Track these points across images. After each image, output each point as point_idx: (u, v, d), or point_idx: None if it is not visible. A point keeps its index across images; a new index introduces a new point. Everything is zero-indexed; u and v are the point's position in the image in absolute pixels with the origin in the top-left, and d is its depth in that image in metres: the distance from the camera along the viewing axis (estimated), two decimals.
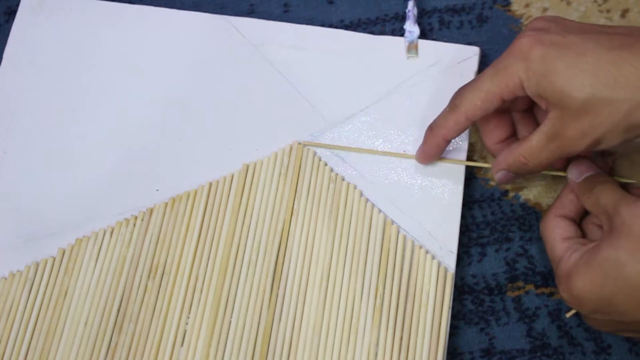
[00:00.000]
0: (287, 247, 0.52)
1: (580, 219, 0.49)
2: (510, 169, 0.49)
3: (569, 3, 0.58)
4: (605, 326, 0.46)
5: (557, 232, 0.48)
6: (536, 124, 0.51)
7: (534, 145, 0.46)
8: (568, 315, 0.50)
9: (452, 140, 0.53)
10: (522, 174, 0.49)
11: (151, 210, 0.53)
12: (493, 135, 0.51)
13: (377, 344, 0.49)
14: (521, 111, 0.51)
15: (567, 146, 0.45)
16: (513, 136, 0.52)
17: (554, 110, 0.45)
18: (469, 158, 0.54)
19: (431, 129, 0.51)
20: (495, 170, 0.50)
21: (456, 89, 0.50)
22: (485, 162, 0.54)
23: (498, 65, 0.47)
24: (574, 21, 0.47)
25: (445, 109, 0.50)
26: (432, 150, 0.52)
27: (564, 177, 0.51)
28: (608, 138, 0.44)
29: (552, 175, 0.52)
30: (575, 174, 0.49)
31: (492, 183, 0.54)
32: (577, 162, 0.49)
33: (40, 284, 0.52)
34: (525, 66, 0.45)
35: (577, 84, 0.43)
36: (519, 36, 0.46)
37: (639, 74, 0.42)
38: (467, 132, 0.53)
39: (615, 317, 0.44)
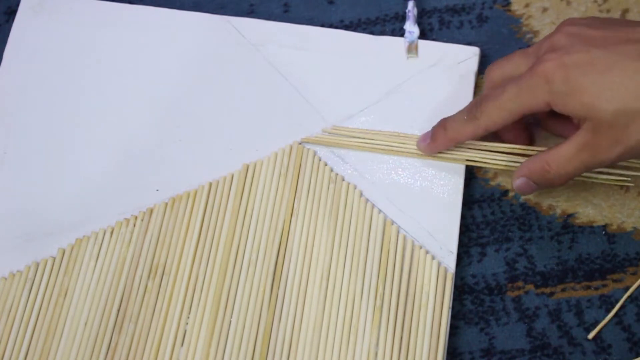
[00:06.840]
0: (287, 247, 0.52)
1: None
2: (532, 176, 0.48)
3: (568, 3, 0.58)
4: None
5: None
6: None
7: (563, 154, 0.46)
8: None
9: None
10: (542, 184, 0.48)
11: (151, 210, 0.53)
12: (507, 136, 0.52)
13: (377, 344, 0.49)
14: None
15: (598, 154, 0.45)
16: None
17: (586, 122, 0.45)
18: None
19: (445, 129, 0.50)
20: (517, 176, 0.49)
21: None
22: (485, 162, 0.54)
23: (521, 84, 0.46)
24: (597, 28, 0.46)
25: (462, 113, 0.50)
26: (440, 148, 0.52)
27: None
28: None
29: None
30: None
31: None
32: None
33: (40, 284, 0.52)
34: (549, 88, 0.45)
35: (605, 97, 0.44)
36: (541, 60, 0.46)
37: None
38: None
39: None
